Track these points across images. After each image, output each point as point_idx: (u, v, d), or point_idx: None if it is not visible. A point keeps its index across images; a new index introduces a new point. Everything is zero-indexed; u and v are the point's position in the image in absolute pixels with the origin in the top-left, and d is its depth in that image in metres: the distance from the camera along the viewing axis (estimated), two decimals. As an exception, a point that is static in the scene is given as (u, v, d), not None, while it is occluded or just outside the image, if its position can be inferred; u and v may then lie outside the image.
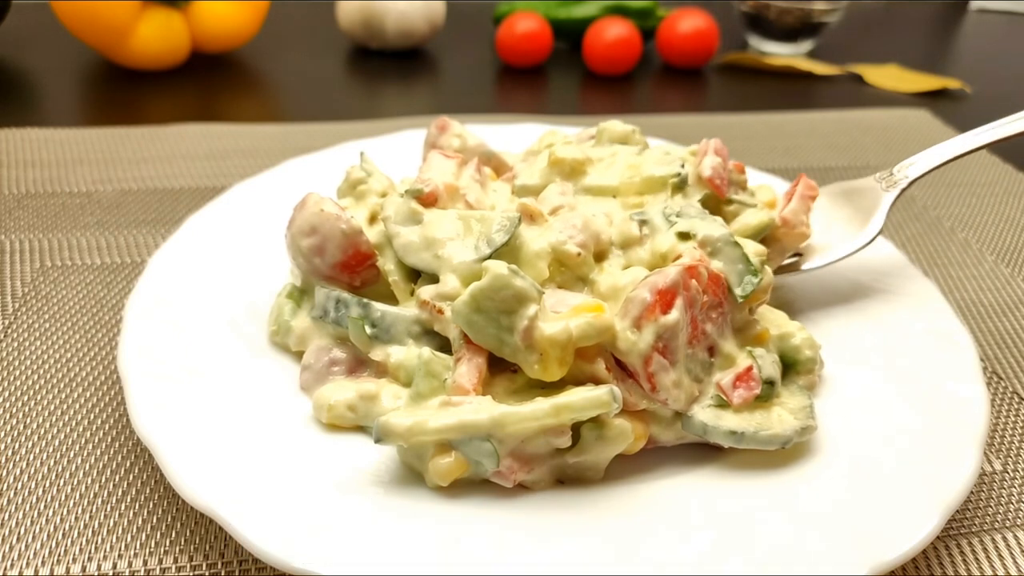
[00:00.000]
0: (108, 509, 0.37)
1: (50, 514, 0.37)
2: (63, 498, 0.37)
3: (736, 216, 0.47)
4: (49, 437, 0.41)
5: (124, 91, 0.84)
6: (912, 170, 0.50)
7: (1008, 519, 0.40)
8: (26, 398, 0.43)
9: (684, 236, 0.42)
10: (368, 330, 0.41)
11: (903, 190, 0.50)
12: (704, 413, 0.39)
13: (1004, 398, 0.49)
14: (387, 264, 0.44)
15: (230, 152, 0.71)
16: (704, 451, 0.39)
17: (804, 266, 0.50)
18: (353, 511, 0.34)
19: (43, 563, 0.35)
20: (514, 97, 0.92)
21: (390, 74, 0.96)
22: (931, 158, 0.50)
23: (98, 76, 0.87)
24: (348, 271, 0.43)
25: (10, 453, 0.39)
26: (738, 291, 0.41)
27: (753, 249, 0.43)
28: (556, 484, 0.37)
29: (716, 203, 0.48)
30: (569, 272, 0.42)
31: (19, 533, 0.36)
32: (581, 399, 0.35)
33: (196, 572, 0.35)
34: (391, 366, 0.40)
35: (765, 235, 0.47)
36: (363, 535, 0.32)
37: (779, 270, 0.50)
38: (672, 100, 0.94)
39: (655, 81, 1.00)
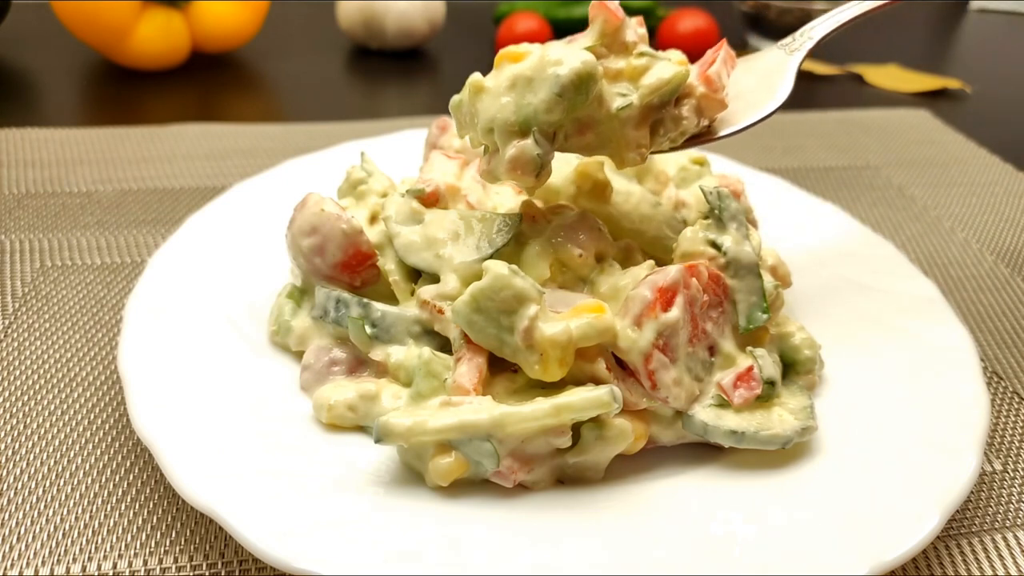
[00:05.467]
0: (108, 509, 0.37)
1: (50, 514, 0.37)
2: (63, 498, 0.37)
3: (647, 70, 0.40)
4: (49, 437, 0.41)
5: (124, 91, 0.84)
6: (816, 31, 0.48)
7: (1008, 519, 0.40)
8: (26, 398, 0.43)
9: (713, 244, 0.42)
10: (368, 330, 0.41)
11: (808, 51, 0.48)
12: (705, 412, 0.39)
13: (1004, 398, 0.49)
14: (387, 264, 0.44)
15: (230, 152, 0.71)
16: (704, 451, 0.39)
17: (721, 133, 0.45)
18: (353, 511, 0.34)
19: (43, 563, 0.34)
20: (514, 97, 0.92)
21: (390, 74, 0.96)
22: (834, 19, 0.48)
23: (98, 76, 0.87)
24: (348, 271, 0.43)
25: (10, 453, 0.39)
26: (742, 322, 0.41)
27: (771, 283, 0.42)
28: (556, 484, 0.37)
29: (623, 48, 0.41)
30: (570, 272, 0.42)
31: (19, 533, 0.36)
32: (581, 399, 0.35)
33: (196, 572, 0.35)
34: (391, 366, 0.40)
35: (679, 95, 0.42)
36: (363, 535, 0.32)
37: (691, 140, 0.45)
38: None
39: (655, 81, 0.99)
